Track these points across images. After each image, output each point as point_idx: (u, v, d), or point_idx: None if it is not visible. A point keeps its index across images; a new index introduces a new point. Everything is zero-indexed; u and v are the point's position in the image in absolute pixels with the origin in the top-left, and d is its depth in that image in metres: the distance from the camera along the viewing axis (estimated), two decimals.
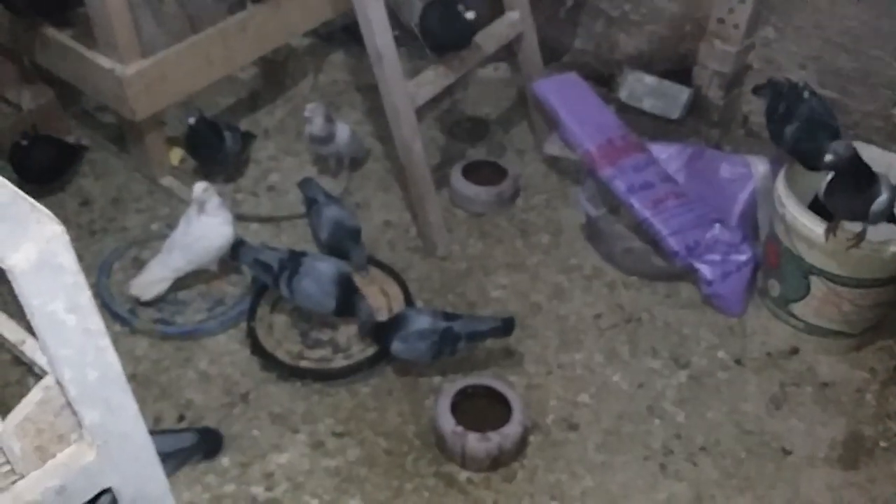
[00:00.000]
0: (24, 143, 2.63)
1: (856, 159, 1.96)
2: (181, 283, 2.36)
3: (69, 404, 0.93)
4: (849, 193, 2.00)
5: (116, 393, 0.93)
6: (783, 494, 2.04)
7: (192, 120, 2.60)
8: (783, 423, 2.18)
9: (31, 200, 0.80)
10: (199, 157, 2.75)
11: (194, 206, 2.27)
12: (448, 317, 2.17)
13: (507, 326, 2.19)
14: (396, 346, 2.14)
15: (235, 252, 2.27)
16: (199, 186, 2.26)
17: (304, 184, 2.53)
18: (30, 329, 0.88)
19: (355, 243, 2.41)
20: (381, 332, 2.17)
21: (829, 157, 1.95)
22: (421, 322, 2.13)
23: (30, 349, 1.09)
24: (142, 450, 1.00)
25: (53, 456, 0.96)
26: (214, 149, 2.67)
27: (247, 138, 2.81)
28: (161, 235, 2.47)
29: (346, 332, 2.31)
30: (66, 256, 0.80)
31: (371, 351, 2.24)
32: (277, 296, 2.33)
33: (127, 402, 0.95)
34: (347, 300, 2.19)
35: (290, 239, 2.60)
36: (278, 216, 2.68)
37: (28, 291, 0.79)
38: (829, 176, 2.01)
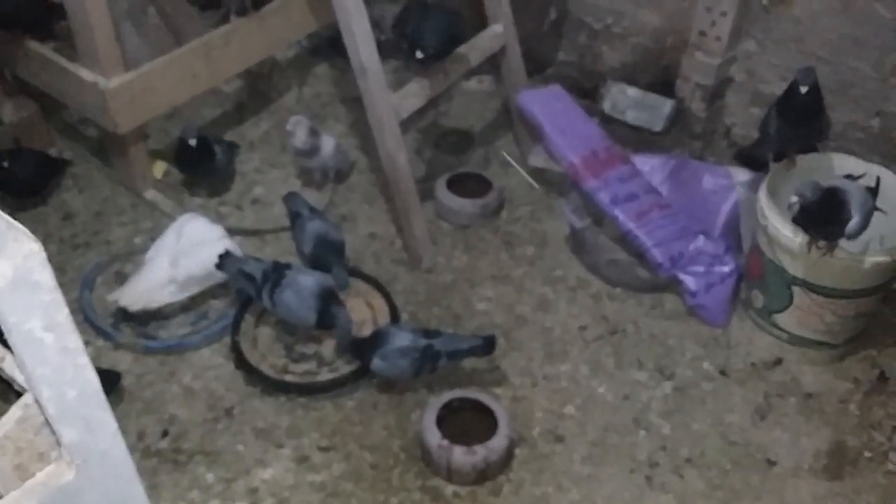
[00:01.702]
0: (6, 156, 2.61)
1: (825, 196, 1.97)
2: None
3: (48, 423, 0.92)
4: (819, 223, 2.03)
5: (95, 411, 0.92)
6: None
7: (192, 142, 2.59)
8: (768, 434, 2.18)
9: (8, 217, 0.79)
10: (189, 171, 2.74)
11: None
12: (429, 334, 2.16)
13: (487, 345, 2.18)
14: (377, 364, 2.13)
15: (221, 263, 2.26)
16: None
17: (289, 198, 2.52)
18: (9, 346, 0.87)
19: (339, 257, 2.40)
20: (361, 349, 2.16)
21: (795, 200, 1.97)
22: (401, 339, 2.12)
23: (9, 367, 1.08)
24: (122, 469, 0.99)
25: (33, 475, 0.94)
26: (204, 163, 2.67)
27: (231, 149, 2.80)
28: (144, 249, 2.46)
29: (331, 345, 2.30)
30: (42, 274, 0.79)
31: (356, 364, 2.23)
32: (262, 309, 2.33)
33: (106, 421, 0.94)
34: (329, 314, 2.18)
35: (275, 252, 2.59)
36: (263, 229, 2.67)
37: (4, 309, 0.78)
38: (797, 208, 2.01)
